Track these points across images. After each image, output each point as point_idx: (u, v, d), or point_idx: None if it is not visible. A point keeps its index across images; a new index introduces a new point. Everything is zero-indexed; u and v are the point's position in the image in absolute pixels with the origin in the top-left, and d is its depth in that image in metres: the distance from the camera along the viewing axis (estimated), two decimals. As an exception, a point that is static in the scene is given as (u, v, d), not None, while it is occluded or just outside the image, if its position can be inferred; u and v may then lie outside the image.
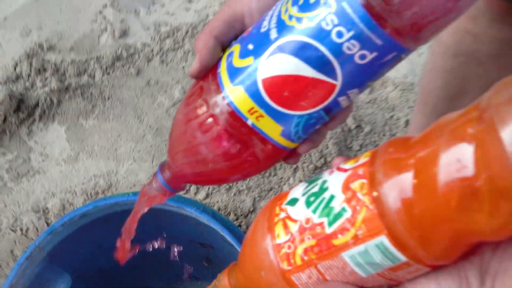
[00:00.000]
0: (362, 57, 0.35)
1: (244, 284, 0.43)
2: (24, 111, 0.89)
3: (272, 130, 0.39)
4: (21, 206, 0.86)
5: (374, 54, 0.35)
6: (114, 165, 0.88)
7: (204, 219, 0.66)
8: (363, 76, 0.37)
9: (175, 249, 0.73)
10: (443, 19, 0.34)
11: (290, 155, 0.44)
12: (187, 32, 0.98)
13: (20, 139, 0.90)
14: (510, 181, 0.27)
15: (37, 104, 0.90)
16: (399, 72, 0.93)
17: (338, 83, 0.36)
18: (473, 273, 0.35)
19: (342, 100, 0.38)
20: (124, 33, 0.97)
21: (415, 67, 0.93)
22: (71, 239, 0.68)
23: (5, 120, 0.88)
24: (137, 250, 0.56)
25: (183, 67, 0.95)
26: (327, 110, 0.38)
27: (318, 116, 0.39)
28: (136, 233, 0.54)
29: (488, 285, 0.34)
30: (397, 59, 0.36)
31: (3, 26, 0.95)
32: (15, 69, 0.92)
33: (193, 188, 0.86)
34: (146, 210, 0.49)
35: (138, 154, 0.88)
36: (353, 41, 0.34)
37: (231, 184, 0.86)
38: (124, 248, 0.54)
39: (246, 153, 0.40)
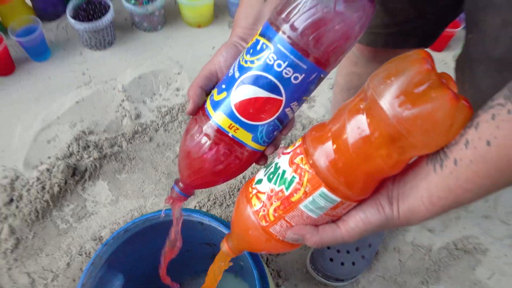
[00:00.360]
0: (296, 78, 0.47)
1: (238, 244, 0.56)
2: (78, 175, 1.17)
3: (246, 137, 0.50)
4: (83, 237, 1.10)
5: (303, 75, 0.46)
6: (142, 202, 1.15)
7: (207, 220, 0.79)
8: (298, 92, 0.48)
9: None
10: (341, 50, 0.46)
11: (260, 158, 0.55)
12: (179, 109, 1.29)
13: (77, 194, 1.16)
14: (394, 131, 0.39)
15: (86, 170, 1.17)
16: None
17: (283, 98, 0.48)
18: (384, 200, 0.46)
19: (288, 111, 0.50)
20: (137, 116, 1.27)
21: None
22: (120, 249, 0.82)
23: (66, 182, 1.16)
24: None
25: (180, 131, 1.26)
26: (279, 119, 0.50)
27: (274, 124, 0.50)
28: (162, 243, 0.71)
29: (395, 205, 0.45)
30: (319, 79, 0.48)
31: (57, 122, 1.25)
32: (68, 149, 1.20)
33: (194, 205, 1.14)
34: (177, 214, 0.64)
35: (157, 192, 1.16)
36: (288, 68, 0.46)
37: (222, 201, 1.19)
38: (173, 248, 0.69)
39: (231, 157, 0.52)
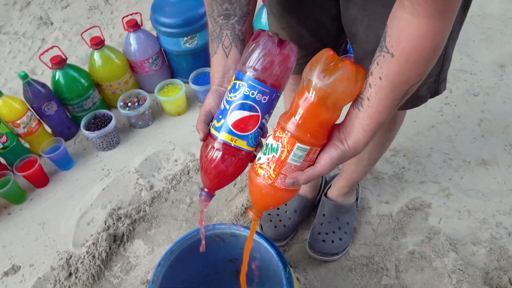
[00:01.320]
0: (264, 99, 0.63)
1: (258, 207, 0.70)
2: (118, 240, 1.32)
3: (242, 144, 0.66)
4: (134, 284, 1.22)
5: (268, 96, 0.63)
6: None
7: (235, 228, 0.93)
8: (267, 108, 0.65)
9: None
10: (286, 75, 0.63)
11: (253, 158, 0.69)
12: (181, 174, 1.51)
13: (121, 254, 1.30)
14: (324, 93, 0.57)
15: (123, 234, 1.32)
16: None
17: (260, 114, 0.64)
18: (337, 141, 0.62)
19: (264, 122, 0.66)
20: (151, 187, 1.45)
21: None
22: (171, 269, 0.94)
23: (110, 248, 1.33)
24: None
25: (186, 188, 1.48)
26: (260, 128, 0.66)
27: (258, 132, 0.66)
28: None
29: (344, 142, 0.62)
30: (277, 97, 0.65)
31: (91, 208, 1.40)
32: (105, 223, 1.35)
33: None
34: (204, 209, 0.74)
35: (182, 234, 1.33)
36: (259, 94, 0.63)
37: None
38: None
39: (235, 159, 0.67)
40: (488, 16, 1.97)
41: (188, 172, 1.52)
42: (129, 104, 1.64)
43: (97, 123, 1.60)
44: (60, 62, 1.53)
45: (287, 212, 1.29)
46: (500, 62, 1.75)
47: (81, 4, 2.31)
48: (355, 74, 0.59)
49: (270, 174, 0.65)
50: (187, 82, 1.72)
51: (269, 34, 0.64)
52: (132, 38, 1.65)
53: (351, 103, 0.64)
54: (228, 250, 1.04)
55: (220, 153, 0.66)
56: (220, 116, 0.66)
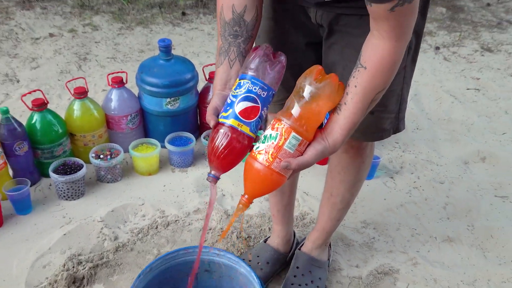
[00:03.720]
0: (263, 94, 0.94)
1: (253, 191, 0.95)
2: (77, 282, 1.48)
3: (246, 129, 0.94)
4: None
5: (265, 92, 0.94)
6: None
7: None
8: (265, 102, 0.95)
9: None
10: (279, 77, 0.97)
11: (251, 147, 0.95)
12: (148, 227, 1.76)
13: None
14: (315, 94, 0.91)
15: (83, 277, 1.49)
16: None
17: (260, 105, 0.93)
18: (320, 139, 0.93)
19: (263, 113, 0.95)
20: (116, 238, 1.65)
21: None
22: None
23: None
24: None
25: (153, 241, 1.68)
26: (260, 118, 0.94)
27: (258, 121, 0.94)
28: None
29: (326, 140, 0.93)
30: (272, 95, 0.96)
31: (49, 252, 1.56)
32: (64, 267, 1.51)
33: None
34: (213, 194, 1.02)
35: None
36: (259, 89, 0.94)
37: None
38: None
39: (240, 142, 0.93)
40: (453, 120, 2.52)
41: (157, 227, 1.77)
42: (101, 156, 1.94)
43: (66, 170, 1.86)
44: (41, 105, 1.85)
45: (259, 264, 1.55)
46: (464, 159, 2.23)
47: (52, 67, 2.70)
48: (337, 84, 0.94)
49: (268, 158, 0.92)
50: (162, 146, 2.05)
51: (266, 46, 0.99)
52: (115, 94, 2.02)
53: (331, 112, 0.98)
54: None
55: (229, 135, 0.94)
56: (228, 108, 0.95)
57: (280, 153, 0.92)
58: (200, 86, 2.18)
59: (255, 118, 0.96)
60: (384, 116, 1.21)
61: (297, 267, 1.53)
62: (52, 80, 2.60)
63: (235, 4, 1.05)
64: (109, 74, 2.07)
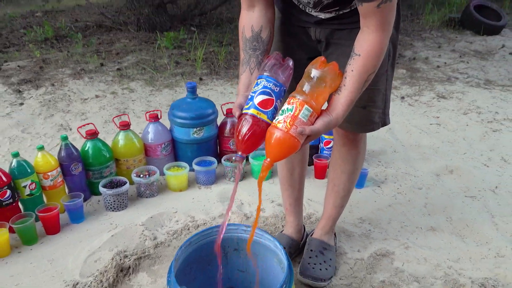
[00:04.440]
0: (276, 89, 0.98)
1: (274, 155, 0.94)
2: (124, 270, 1.42)
3: (264, 117, 0.96)
4: None
5: (278, 87, 0.98)
6: (173, 278, 1.50)
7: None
8: (279, 95, 0.98)
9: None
10: (289, 76, 1.01)
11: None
12: (182, 230, 1.75)
13: (125, 283, 1.38)
14: (321, 75, 0.96)
15: (129, 267, 1.43)
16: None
17: (274, 98, 0.97)
18: (327, 114, 0.98)
19: (277, 104, 0.97)
20: (155, 238, 1.64)
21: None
22: (188, 261, 1.15)
23: (117, 275, 1.45)
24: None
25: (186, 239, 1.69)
26: (275, 108, 0.97)
27: (273, 111, 0.97)
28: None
29: (331, 115, 0.97)
30: (284, 91, 0.99)
31: (99, 250, 1.51)
32: (112, 260, 1.50)
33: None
34: (239, 170, 1.02)
35: None
36: (272, 85, 0.98)
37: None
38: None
39: (259, 127, 0.95)
40: (422, 146, 2.53)
41: (189, 229, 1.72)
42: (141, 175, 1.92)
43: (113, 185, 1.84)
44: (93, 134, 1.86)
45: (278, 249, 1.50)
46: (435, 172, 2.22)
47: (98, 119, 2.74)
48: (337, 70, 0.99)
49: (287, 125, 0.94)
50: (190, 169, 2.04)
51: (277, 53, 1.04)
52: (151, 127, 2.04)
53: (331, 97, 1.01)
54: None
55: (250, 121, 0.97)
56: (249, 101, 0.99)
57: (296, 121, 0.94)
58: (219, 121, 2.20)
59: (271, 108, 0.98)
60: (373, 110, 1.24)
61: (311, 250, 1.48)
62: (98, 127, 2.62)
63: (254, 25, 1.12)
64: (147, 112, 2.10)
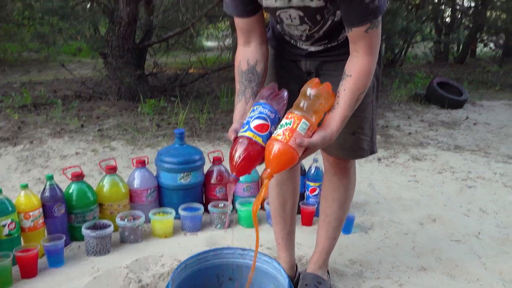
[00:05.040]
0: (272, 115, 1.04)
1: (273, 166, 0.97)
2: None
3: (259, 140, 1.01)
4: None
5: (274, 114, 1.05)
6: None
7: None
8: (274, 122, 1.04)
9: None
10: (284, 105, 1.09)
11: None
12: (168, 273, 1.68)
13: None
14: (316, 94, 1.05)
15: None
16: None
17: (270, 124, 1.03)
18: (322, 130, 1.05)
19: (272, 129, 1.02)
20: (139, 281, 1.58)
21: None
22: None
23: None
24: None
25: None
26: (270, 133, 1.02)
27: (268, 135, 1.02)
28: None
29: (326, 131, 1.05)
30: (279, 118, 1.05)
31: None
32: None
33: None
34: (230, 191, 1.03)
35: None
36: (268, 112, 1.05)
37: None
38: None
39: (254, 150, 0.99)
40: (403, 199, 2.60)
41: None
42: (126, 220, 1.89)
43: (96, 228, 1.79)
44: (79, 176, 1.85)
45: (271, 285, 1.47)
46: (419, 221, 2.27)
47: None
48: (330, 91, 1.08)
49: (286, 137, 1.00)
50: (176, 217, 2.02)
51: (273, 83, 1.12)
52: (138, 172, 2.04)
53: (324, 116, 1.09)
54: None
55: (246, 143, 1.00)
56: (245, 125, 1.04)
57: (294, 133, 1.01)
58: (206, 170, 2.23)
59: (266, 132, 1.04)
60: (362, 137, 1.33)
61: (306, 285, 1.46)
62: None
63: (249, 59, 1.21)
64: (133, 158, 2.11)
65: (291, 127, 1.00)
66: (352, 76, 1.08)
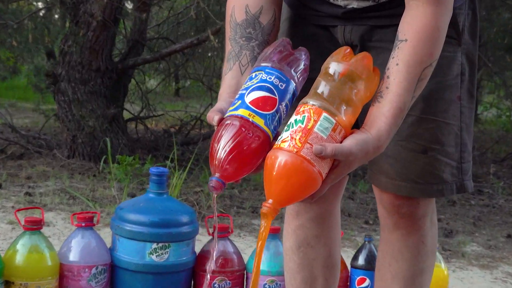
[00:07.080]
0: (281, 85, 0.71)
1: (278, 194, 0.66)
2: None
3: (260, 122, 0.69)
4: None
5: (284, 84, 0.72)
6: None
7: None
8: (284, 96, 0.72)
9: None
10: (302, 71, 0.76)
11: (270, 146, 0.70)
12: None
13: None
14: (347, 73, 0.69)
15: None
16: None
17: (277, 98, 0.71)
18: (362, 132, 0.70)
19: (281, 108, 0.71)
20: None
21: None
22: None
23: None
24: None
25: None
26: (278, 112, 0.71)
27: (275, 114, 0.71)
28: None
29: (368, 132, 0.69)
30: (295, 93, 0.74)
31: None
32: None
33: None
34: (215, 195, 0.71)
35: None
36: (276, 79, 0.71)
37: None
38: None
39: (252, 136, 0.68)
40: None
41: None
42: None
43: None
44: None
45: None
46: None
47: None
48: (371, 65, 0.73)
49: (296, 143, 0.66)
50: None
51: (284, 39, 0.79)
52: (79, 236, 1.29)
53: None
54: None
55: (237, 125, 0.68)
56: (237, 101, 0.71)
57: (310, 137, 0.68)
58: (198, 248, 1.46)
59: (271, 111, 0.72)
60: (440, 158, 0.92)
61: None
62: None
63: (249, 4, 0.88)
64: (74, 214, 1.36)
65: (304, 126, 0.69)
66: (409, 40, 0.76)
